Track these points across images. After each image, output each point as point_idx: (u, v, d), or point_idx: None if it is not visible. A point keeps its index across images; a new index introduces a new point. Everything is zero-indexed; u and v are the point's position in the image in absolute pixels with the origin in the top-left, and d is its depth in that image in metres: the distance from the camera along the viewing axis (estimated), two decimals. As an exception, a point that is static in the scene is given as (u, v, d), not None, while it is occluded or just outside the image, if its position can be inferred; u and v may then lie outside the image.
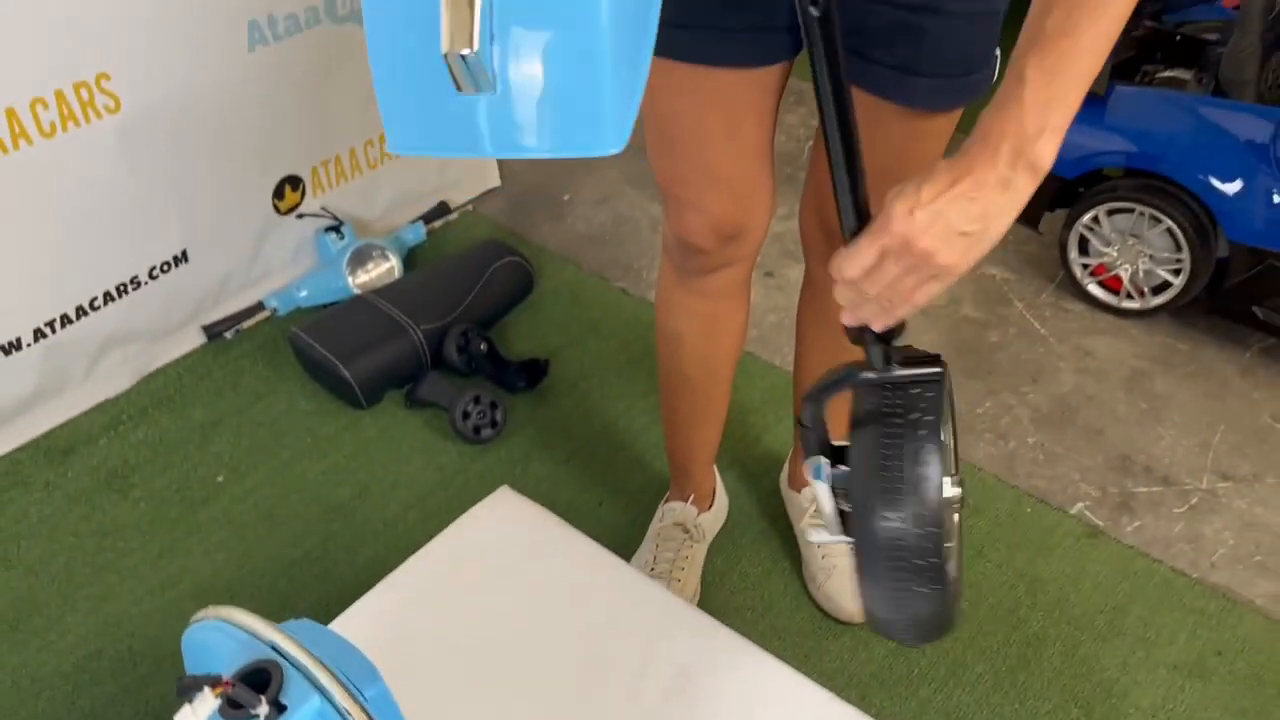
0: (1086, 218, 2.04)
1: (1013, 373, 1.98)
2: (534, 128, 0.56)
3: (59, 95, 1.59)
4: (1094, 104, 1.97)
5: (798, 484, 1.64)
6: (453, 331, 1.91)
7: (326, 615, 1.50)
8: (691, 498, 1.59)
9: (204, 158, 1.83)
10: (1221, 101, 1.87)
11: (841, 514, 0.82)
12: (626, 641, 1.04)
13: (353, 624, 1.05)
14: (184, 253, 1.88)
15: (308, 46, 1.90)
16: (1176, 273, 1.98)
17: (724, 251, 1.23)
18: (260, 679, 0.59)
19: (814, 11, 0.69)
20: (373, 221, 2.21)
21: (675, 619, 1.08)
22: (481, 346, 1.91)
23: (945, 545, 0.76)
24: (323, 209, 2.09)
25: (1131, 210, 1.98)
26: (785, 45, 1.07)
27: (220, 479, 1.75)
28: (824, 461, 0.82)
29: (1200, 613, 1.57)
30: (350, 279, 2.04)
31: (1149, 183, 1.94)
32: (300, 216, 2.06)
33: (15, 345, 1.70)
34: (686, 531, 1.57)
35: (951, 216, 0.72)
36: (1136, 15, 1.99)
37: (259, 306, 2.03)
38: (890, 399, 0.78)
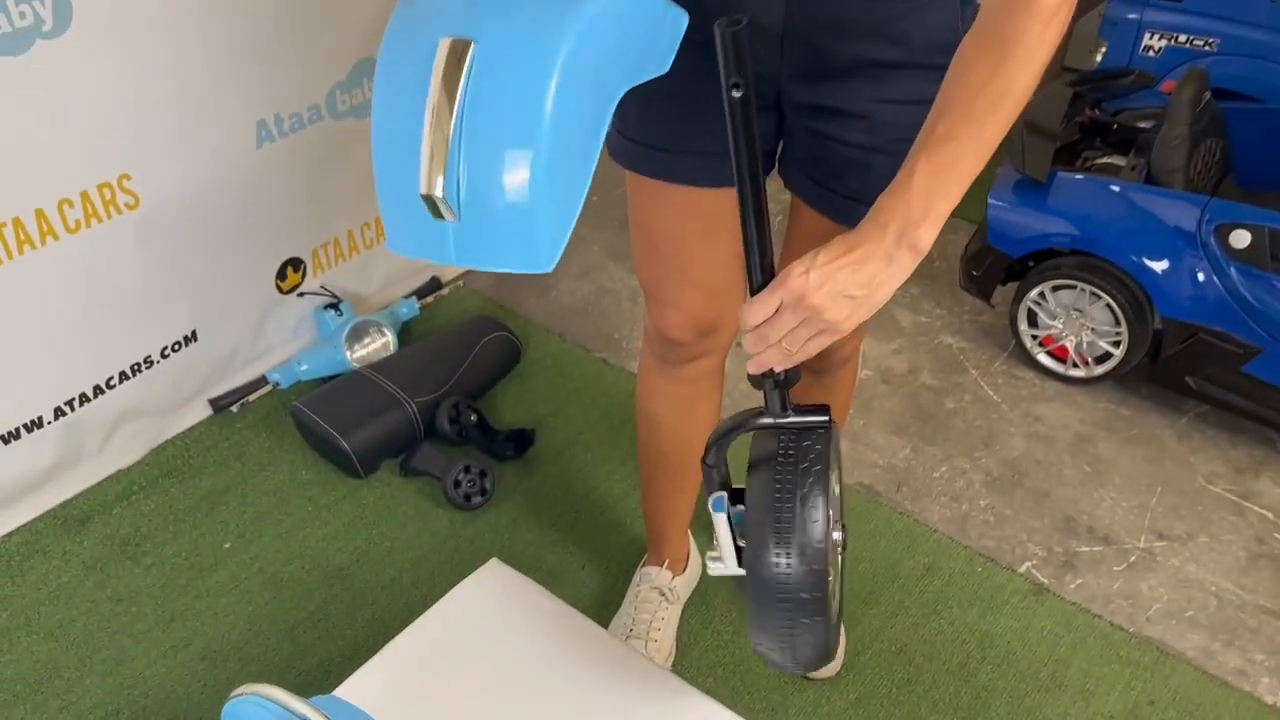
0: (1034, 293, 2.20)
1: (967, 438, 2.12)
2: (485, 248, 0.79)
3: (84, 195, 1.73)
4: (1038, 189, 2.13)
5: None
6: (445, 404, 2.05)
7: (330, 675, 1.63)
8: (666, 562, 1.71)
9: (214, 245, 1.97)
10: (1152, 189, 2.04)
11: (738, 549, 0.94)
12: (607, 707, 1.17)
13: (357, 690, 1.16)
14: (193, 332, 2.01)
15: (311, 140, 2.05)
16: (1117, 344, 2.14)
17: (700, 344, 1.36)
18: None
19: (735, 95, 0.83)
20: (369, 297, 2.35)
21: (652, 684, 1.20)
22: (472, 417, 2.05)
23: (828, 580, 0.88)
24: (322, 287, 2.23)
25: (1074, 286, 2.14)
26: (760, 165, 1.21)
27: (227, 546, 1.87)
28: (723, 496, 0.93)
29: (1136, 665, 1.70)
30: (348, 354, 2.18)
31: (1089, 261, 2.10)
32: (301, 295, 2.20)
33: (37, 423, 1.83)
34: (662, 594, 1.69)
35: (840, 280, 0.84)
36: (1079, 102, 2.18)
37: (262, 380, 2.16)
38: (784, 445, 0.90)
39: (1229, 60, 2.42)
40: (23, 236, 1.68)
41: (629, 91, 0.84)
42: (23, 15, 1.55)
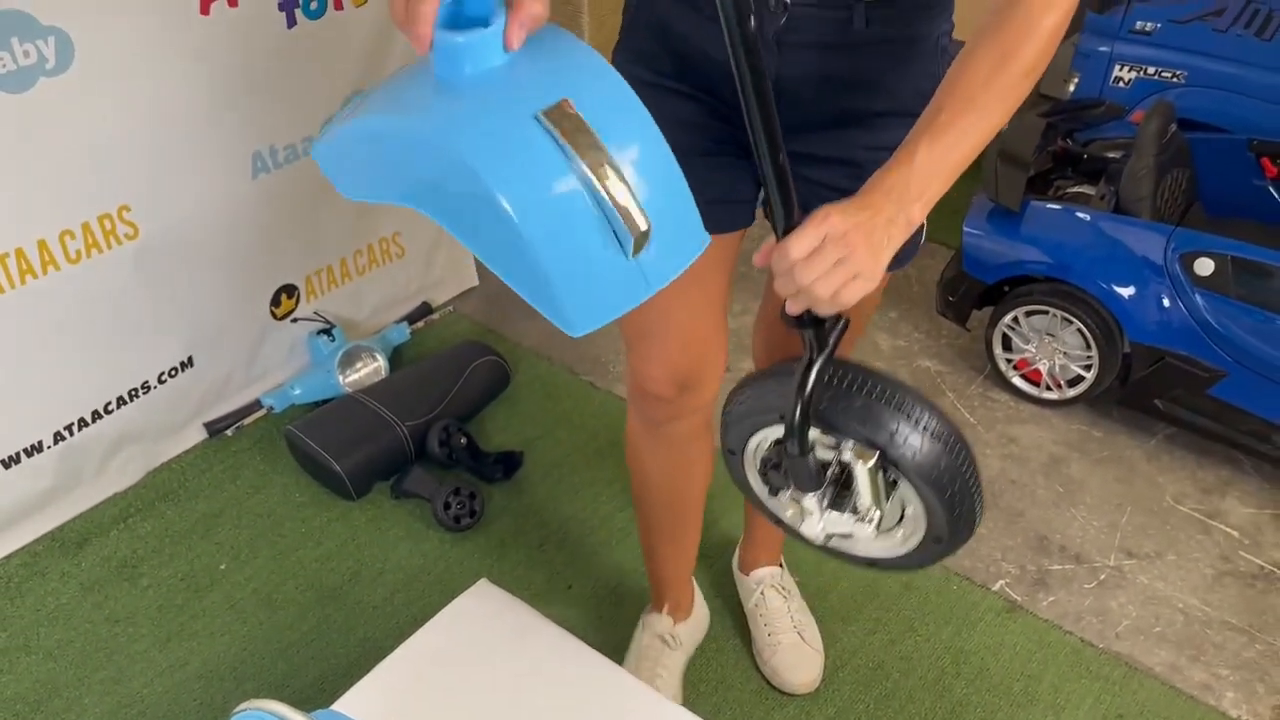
0: (1008, 318, 2.26)
1: (944, 459, 2.18)
2: (673, 256, 0.83)
3: (85, 226, 1.79)
4: (1011, 218, 2.20)
5: (747, 567, 1.82)
6: (435, 427, 2.10)
7: (324, 693, 1.67)
8: (667, 608, 1.70)
9: (210, 274, 2.03)
10: (1120, 218, 2.11)
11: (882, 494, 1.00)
12: None
13: (350, 709, 1.21)
14: (190, 358, 2.06)
15: (305, 171, 2.10)
16: (1088, 368, 2.20)
17: (682, 400, 1.34)
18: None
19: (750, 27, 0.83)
20: (361, 322, 2.40)
21: (636, 702, 1.25)
22: (462, 440, 2.10)
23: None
24: (316, 313, 2.28)
25: (1047, 312, 2.20)
26: (745, 215, 1.23)
27: (222, 567, 1.92)
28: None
29: (1105, 680, 1.76)
30: (341, 378, 2.23)
31: (1060, 288, 2.17)
32: (295, 321, 2.25)
33: (37, 448, 1.88)
34: (664, 641, 1.69)
35: (871, 230, 0.89)
36: (1051, 133, 2.25)
37: (256, 405, 2.21)
38: (845, 377, 0.96)
39: (1196, 92, 2.50)
40: (25, 266, 1.73)
41: None
42: (27, 54, 1.61)
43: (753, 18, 0.83)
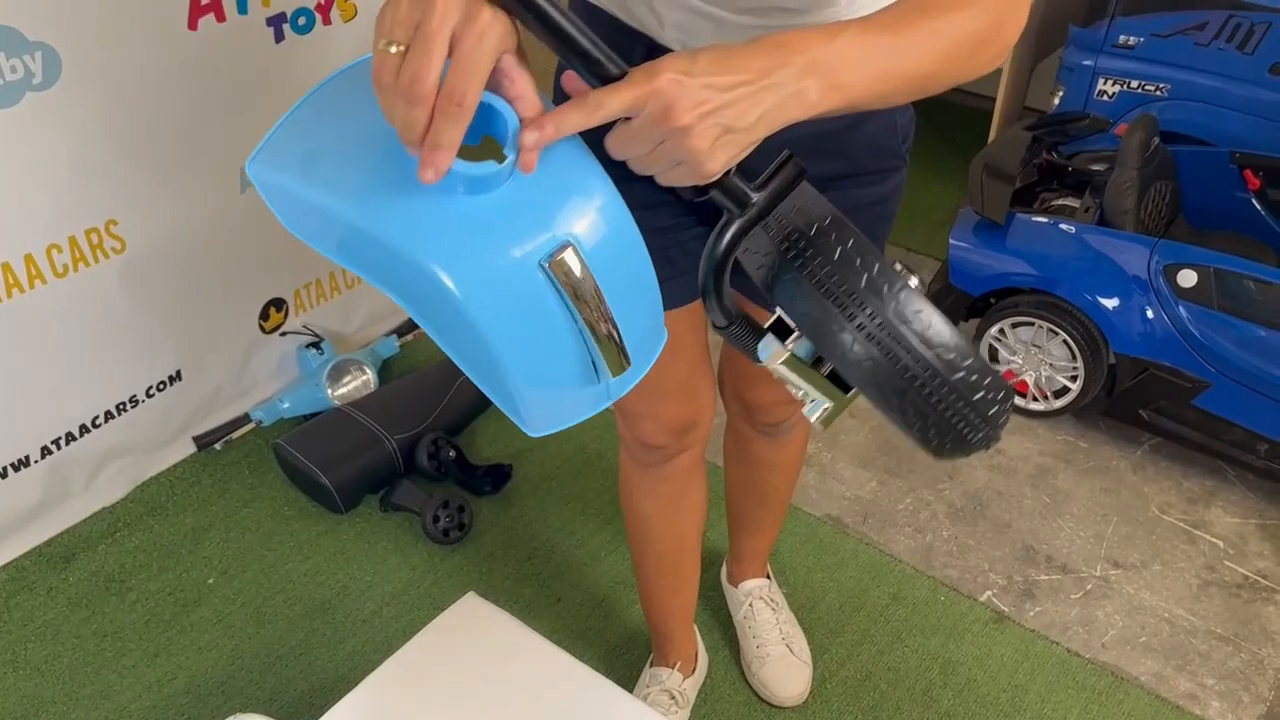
0: (994, 329, 2.28)
1: (931, 470, 2.19)
2: (641, 362, 0.78)
3: (72, 240, 1.79)
4: (997, 230, 2.22)
5: (735, 579, 1.83)
6: (424, 440, 2.10)
7: (312, 707, 1.67)
8: (677, 664, 1.67)
9: (198, 288, 2.03)
10: (1104, 230, 2.12)
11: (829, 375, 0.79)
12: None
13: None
14: (178, 372, 2.06)
15: (293, 185, 2.10)
16: (1074, 379, 2.22)
17: (679, 443, 1.34)
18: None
19: None
20: (349, 335, 2.40)
21: (624, 715, 1.25)
22: (450, 454, 2.10)
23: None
24: (304, 326, 2.28)
25: (1033, 324, 2.22)
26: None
27: (211, 581, 1.92)
28: (769, 337, 0.80)
29: (1092, 690, 1.77)
30: (329, 392, 2.23)
31: (1046, 300, 2.19)
32: (283, 334, 2.25)
33: (24, 462, 1.87)
34: (672, 698, 1.65)
35: (727, 111, 0.66)
36: (1036, 146, 2.27)
37: (245, 418, 2.21)
38: (782, 232, 0.72)
39: (1179, 105, 2.52)
40: (11, 280, 1.73)
41: None
42: (14, 69, 1.61)
43: None
